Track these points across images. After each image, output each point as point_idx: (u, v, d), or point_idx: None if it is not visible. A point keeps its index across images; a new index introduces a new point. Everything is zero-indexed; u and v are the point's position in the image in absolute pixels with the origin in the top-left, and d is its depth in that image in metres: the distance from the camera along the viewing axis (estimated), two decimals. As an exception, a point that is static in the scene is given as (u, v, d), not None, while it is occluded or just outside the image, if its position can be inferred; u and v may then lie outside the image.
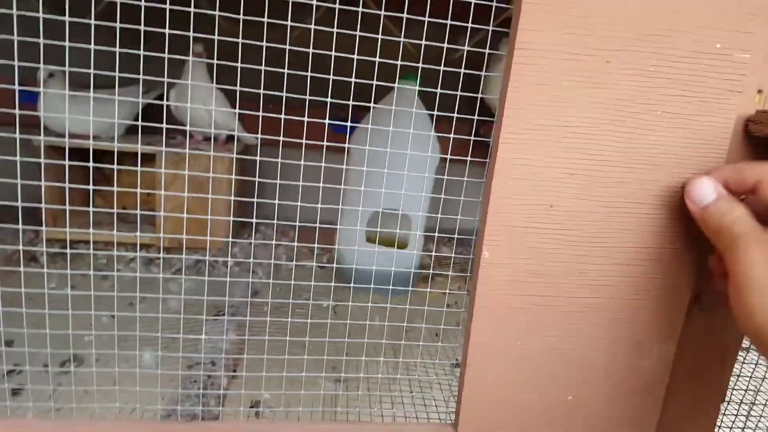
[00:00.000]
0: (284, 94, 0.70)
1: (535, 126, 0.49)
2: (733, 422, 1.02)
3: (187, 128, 1.30)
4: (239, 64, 0.62)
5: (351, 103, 0.65)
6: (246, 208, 1.47)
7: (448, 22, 0.62)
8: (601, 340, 0.55)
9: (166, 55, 0.58)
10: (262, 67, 0.65)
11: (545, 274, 0.53)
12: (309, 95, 0.68)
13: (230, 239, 1.35)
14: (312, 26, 0.56)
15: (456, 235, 0.73)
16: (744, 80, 0.50)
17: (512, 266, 0.52)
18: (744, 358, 1.03)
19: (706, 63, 0.49)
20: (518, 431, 0.57)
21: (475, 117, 0.72)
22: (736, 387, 1.02)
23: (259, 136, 0.64)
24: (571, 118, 0.49)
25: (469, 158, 0.71)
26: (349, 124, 0.94)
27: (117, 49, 0.60)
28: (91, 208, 0.56)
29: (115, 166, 0.54)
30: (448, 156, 0.82)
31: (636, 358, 0.56)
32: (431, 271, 1.36)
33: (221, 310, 1.08)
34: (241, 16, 0.56)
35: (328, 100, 0.65)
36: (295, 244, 0.84)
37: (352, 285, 1.29)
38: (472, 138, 0.79)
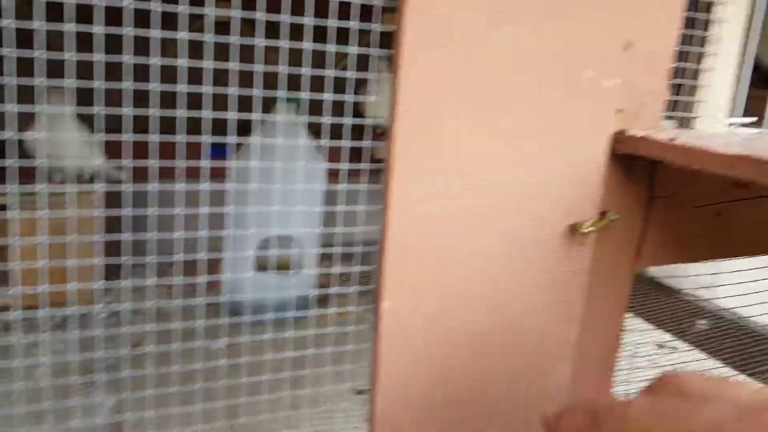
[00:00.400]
0: (150, 111, 0.64)
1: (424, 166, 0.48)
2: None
3: (40, 163, 1.18)
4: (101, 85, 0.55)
5: (233, 116, 0.61)
6: (119, 248, 1.35)
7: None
8: (505, 367, 0.56)
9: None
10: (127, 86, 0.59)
11: (449, 305, 0.52)
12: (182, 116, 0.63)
13: (102, 286, 1.23)
14: (185, 35, 0.52)
15: (345, 249, 0.71)
16: (612, 105, 0.53)
17: (416, 306, 0.51)
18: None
19: (578, 91, 0.51)
20: None
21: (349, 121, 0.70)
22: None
23: (126, 163, 0.58)
24: (461, 149, 0.49)
25: (361, 169, 0.70)
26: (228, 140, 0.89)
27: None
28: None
29: None
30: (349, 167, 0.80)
31: (534, 382, 0.58)
32: (332, 290, 1.33)
33: (94, 372, 0.98)
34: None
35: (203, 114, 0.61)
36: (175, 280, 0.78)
37: (239, 319, 1.23)
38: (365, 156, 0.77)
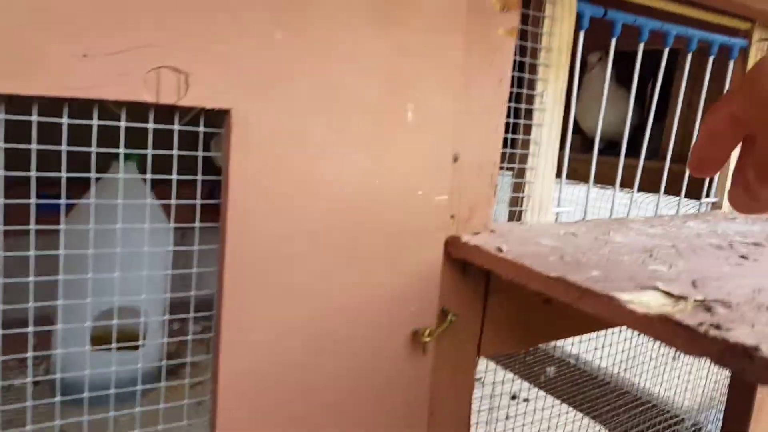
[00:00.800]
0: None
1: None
2: None
3: None
4: None
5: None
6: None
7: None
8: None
9: None
10: None
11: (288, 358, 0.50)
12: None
13: None
14: None
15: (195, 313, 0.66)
16: (445, 214, 0.54)
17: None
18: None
19: (407, 212, 0.52)
20: None
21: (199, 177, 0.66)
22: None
23: None
24: (296, 267, 0.47)
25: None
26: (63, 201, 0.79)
27: None
28: None
29: None
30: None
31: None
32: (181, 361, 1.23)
33: None
34: None
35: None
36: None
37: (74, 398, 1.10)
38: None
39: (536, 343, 0.70)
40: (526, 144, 0.68)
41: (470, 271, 0.59)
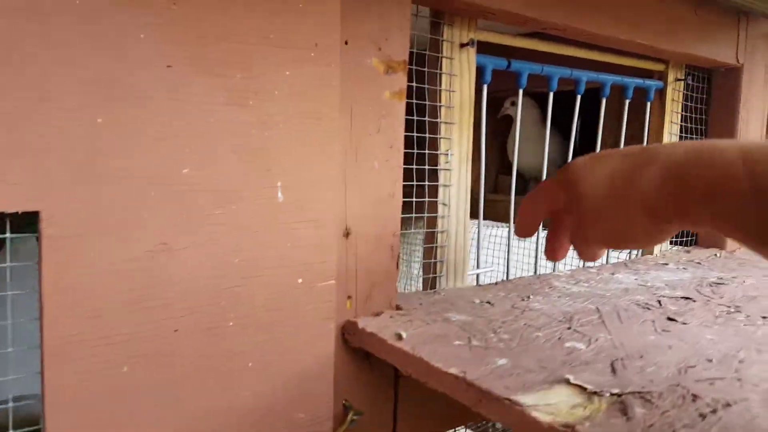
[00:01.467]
0: None
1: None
2: None
3: None
4: None
5: None
6: None
7: None
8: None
9: None
10: None
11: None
12: None
13: None
14: None
15: None
16: (334, 298, 0.47)
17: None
18: None
19: (290, 298, 0.44)
20: None
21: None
22: None
23: None
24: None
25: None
26: None
27: None
28: None
29: None
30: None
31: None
32: None
33: None
34: None
35: None
36: None
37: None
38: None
39: (455, 425, 0.63)
40: (433, 207, 0.62)
41: (374, 359, 0.52)
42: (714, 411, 0.35)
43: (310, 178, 0.44)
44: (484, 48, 0.64)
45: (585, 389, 0.38)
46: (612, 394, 0.37)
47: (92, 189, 0.35)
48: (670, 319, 0.56)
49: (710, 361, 0.44)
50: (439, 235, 0.63)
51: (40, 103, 0.33)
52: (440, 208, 0.62)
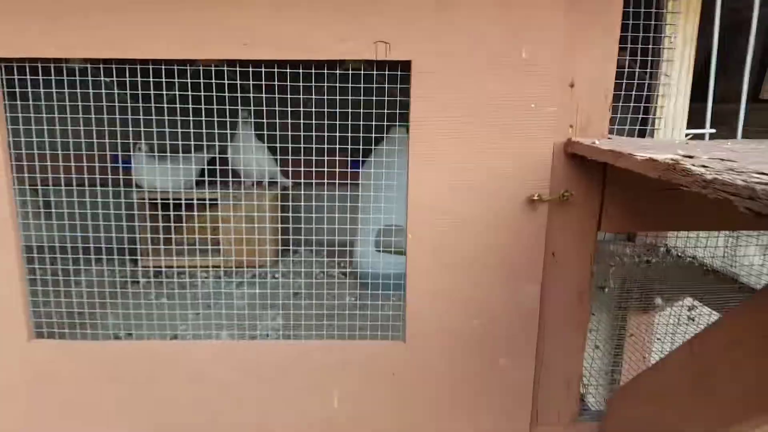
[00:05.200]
0: (313, 146, 1.00)
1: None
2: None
3: (241, 179, 1.64)
4: (277, 122, 0.92)
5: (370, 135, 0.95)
6: (286, 234, 1.79)
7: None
8: (491, 286, 0.83)
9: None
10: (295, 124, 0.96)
11: (454, 256, 0.81)
12: (328, 144, 0.99)
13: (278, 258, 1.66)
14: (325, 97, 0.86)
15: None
16: (554, 123, 0.78)
17: (431, 243, 0.81)
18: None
19: (528, 116, 0.77)
20: (443, 345, 0.84)
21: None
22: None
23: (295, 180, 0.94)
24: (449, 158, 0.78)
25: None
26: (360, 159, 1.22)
27: (181, 117, 0.92)
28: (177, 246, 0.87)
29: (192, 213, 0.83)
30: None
31: (513, 296, 0.83)
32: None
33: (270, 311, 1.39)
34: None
35: (349, 146, 0.94)
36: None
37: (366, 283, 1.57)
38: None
39: (654, 229, 0.86)
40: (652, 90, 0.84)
41: (588, 166, 0.80)
42: None
43: (545, 44, 0.75)
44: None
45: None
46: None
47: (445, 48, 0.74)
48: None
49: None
50: (659, 98, 0.85)
51: None
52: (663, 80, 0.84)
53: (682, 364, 0.69)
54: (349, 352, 0.87)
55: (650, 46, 0.82)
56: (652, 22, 0.82)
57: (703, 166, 0.52)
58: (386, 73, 0.76)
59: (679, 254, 1.51)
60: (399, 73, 0.76)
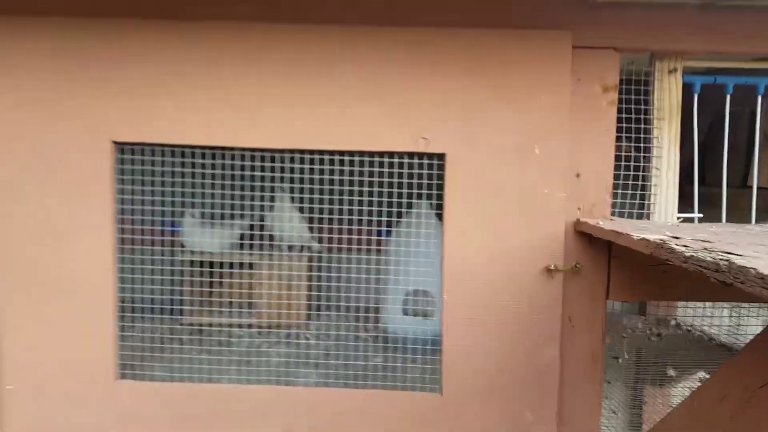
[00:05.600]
0: (345, 217, 1.14)
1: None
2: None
3: (279, 242, 1.80)
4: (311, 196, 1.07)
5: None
6: (316, 296, 1.92)
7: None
8: (513, 344, 0.94)
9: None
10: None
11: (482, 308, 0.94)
12: (357, 215, 1.14)
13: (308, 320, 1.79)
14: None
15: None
16: (565, 206, 0.92)
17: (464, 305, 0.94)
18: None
19: (542, 200, 0.92)
20: (475, 398, 0.95)
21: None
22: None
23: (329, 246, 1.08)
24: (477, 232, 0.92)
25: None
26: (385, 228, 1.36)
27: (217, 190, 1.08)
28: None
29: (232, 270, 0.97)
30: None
31: (535, 355, 0.94)
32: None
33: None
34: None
35: (382, 218, 1.09)
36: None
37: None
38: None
39: (655, 298, 0.99)
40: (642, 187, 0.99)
41: (595, 242, 0.94)
42: None
43: (553, 144, 0.91)
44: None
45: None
46: None
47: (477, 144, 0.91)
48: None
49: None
50: (652, 187, 0.99)
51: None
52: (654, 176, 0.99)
53: (684, 414, 0.79)
54: (392, 401, 0.98)
55: (642, 145, 0.98)
56: (642, 126, 0.98)
57: (684, 246, 0.66)
58: (425, 161, 0.93)
59: (688, 328, 1.60)
60: (435, 162, 0.92)
